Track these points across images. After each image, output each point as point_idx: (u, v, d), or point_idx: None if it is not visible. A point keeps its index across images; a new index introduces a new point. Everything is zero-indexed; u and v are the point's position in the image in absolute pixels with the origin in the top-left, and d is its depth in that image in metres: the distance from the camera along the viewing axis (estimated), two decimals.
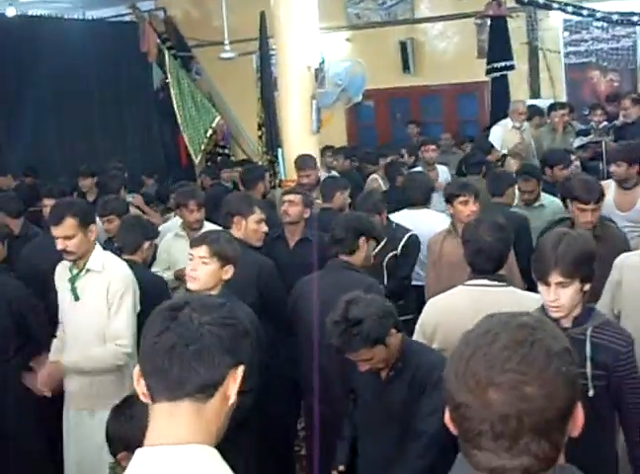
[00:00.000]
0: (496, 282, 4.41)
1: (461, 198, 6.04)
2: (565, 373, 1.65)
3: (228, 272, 4.64)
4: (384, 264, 6.37)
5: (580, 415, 1.70)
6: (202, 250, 4.59)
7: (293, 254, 6.48)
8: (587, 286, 3.62)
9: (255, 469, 4.44)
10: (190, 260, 4.66)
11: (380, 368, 3.94)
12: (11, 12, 13.39)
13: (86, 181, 10.07)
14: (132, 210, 7.86)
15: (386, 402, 3.96)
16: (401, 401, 3.92)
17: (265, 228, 5.95)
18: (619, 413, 3.65)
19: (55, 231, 4.97)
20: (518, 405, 1.61)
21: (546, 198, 7.17)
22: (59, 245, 4.96)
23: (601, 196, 5.54)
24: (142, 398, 2.00)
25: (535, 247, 3.79)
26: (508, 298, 4.27)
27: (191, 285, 4.62)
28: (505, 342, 1.66)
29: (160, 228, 7.22)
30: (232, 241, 4.91)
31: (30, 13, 14.23)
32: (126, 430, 3.43)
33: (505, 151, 10.12)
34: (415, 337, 4.58)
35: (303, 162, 8.55)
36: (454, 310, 4.40)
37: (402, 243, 6.45)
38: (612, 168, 7.02)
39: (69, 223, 4.92)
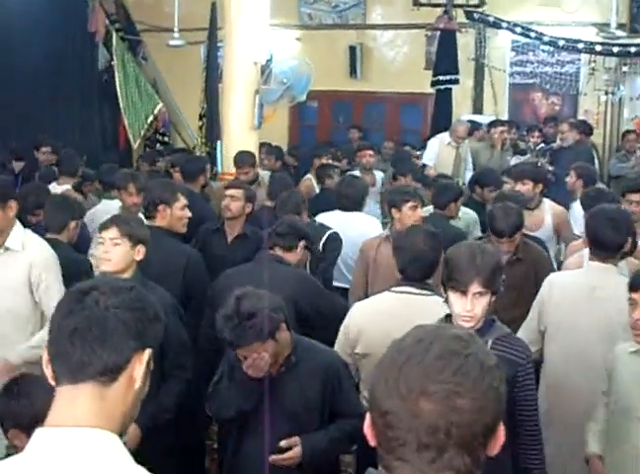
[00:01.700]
0: (422, 291, 4.46)
1: (411, 204, 6.11)
2: (496, 389, 1.65)
3: (140, 252, 4.65)
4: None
5: (502, 434, 1.69)
6: (113, 231, 4.59)
7: (231, 249, 6.43)
8: (493, 298, 3.69)
9: (165, 459, 4.43)
10: (100, 243, 4.67)
11: (271, 364, 3.92)
12: None
13: (18, 163, 10.00)
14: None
15: (278, 396, 3.94)
16: (296, 395, 3.95)
17: (189, 214, 5.92)
18: (513, 427, 3.62)
19: None
20: (448, 416, 1.59)
21: (462, 211, 7.21)
22: None
23: (517, 228, 5.56)
24: (50, 381, 1.99)
25: (447, 258, 3.82)
26: (433, 307, 4.30)
27: (104, 267, 4.60)
28: (439, 351, 1.65)
29: (93, 210, 7.19)
30: (142, 223, 4.96)
31: None
32: (14, 407, 3.46)
33: (430, 163, 10.31)
34: (339, 339, 4.63)
35: (242, 159, 8.52)
36: (380, 315, 4.45)
37: (322, 241, 6.48)
38: (518, 186, 7.12)
39: None
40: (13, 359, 4.90)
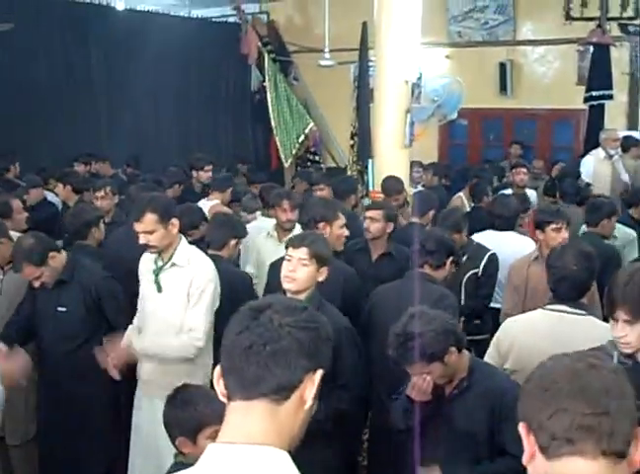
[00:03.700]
0: (576, 310, 4.37)
1: (553, 225, 5.94)
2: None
3: (323, 273, 4.63)
4: (463, 282, 6.37)
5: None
6: (302, 251, 4.56)
7: (375, 267, 6.46)
8: None
9: None
10: (287, 261, 4.63)
11: (442, 384, 3.92)
12: (120, 6, 13.78)
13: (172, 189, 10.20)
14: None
15: (447, 418, 3.95)
16: (463, 420, 3.91)
17: (347, 232, 5.97)
18: None
19: (136, 227, 5.06)
20: None
21: (619, 229, 7.06)
22: (141, 239, 5.06)
23: None
24: (221, 397, 2.01)
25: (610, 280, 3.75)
26: (585, 327, 4.24)
27: (288, 286, 4.56)
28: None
29: (249, 227, 7.35)
30: (327, 242, 4.93)
31: (138, 8, 14.55)
32: (179, 415, 3.58)
33: (588, 181, 10.02)
34: (488, 354, 4.61)
35: (390, 187, 8.47)
36: (531, 332, 4.41)
37: (483, 262, 6.44)
38: None
39: (149, 219, 4.99)
40: (137, 348, 5.19)
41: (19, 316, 5.75)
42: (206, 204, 8.04)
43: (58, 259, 5.51)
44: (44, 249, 5.40)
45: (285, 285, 4.58)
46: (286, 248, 4.73)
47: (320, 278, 4.64)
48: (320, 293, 4.68)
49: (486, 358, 4.56)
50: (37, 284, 5.52)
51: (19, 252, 5.41)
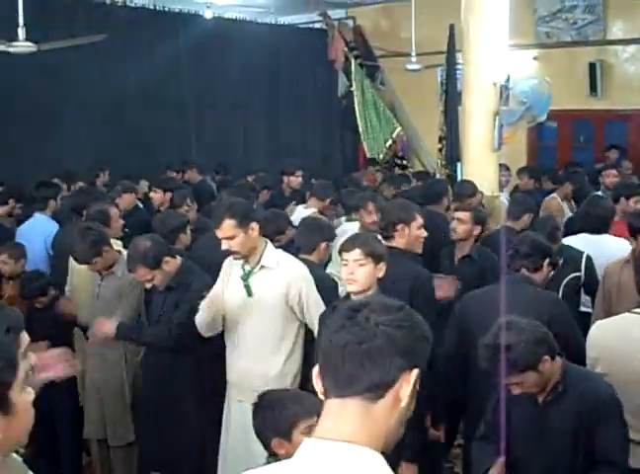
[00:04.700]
0: None
1: None
2: None
3: (382, 269, 4.73)
4: (562, 286, 6.24)
5: None
6: (356, 253, 4.68)
7: (457, 270, 6.45)
8: None
9: None
10: (344, 265, 4.75)
11: (536, 392, 3.88)
12: (209, 14, 14.10)
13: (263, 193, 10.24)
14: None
15: (544, 425, 3.89)
16: (561, 428, 3.84)
17: (425, 233, 5.96)
18: None
19: (218, 233, 5.16)
20: None
21: None
22: (223, 245, 5.14)
23: None
24: (320, 395, 2.03)
25: None
26: None
27: (351, 288, 4.70)
28: None
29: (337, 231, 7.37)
30: (378, 239, 5.06)
31: (226, 16, 14.76)
32: (270, 416, 3.59)
33: None
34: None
35: (462, 191, 8.43)
36: (620, 335, 4.35)
37: (583, 265, 6.32)
38: None
39: (228, 225, 5.07)
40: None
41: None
42: (303, 212, 8.07)
43: (172, 264, 5.58)
44: (159, 253, 5.46)
45: (348, 288, 4.73)
46: (340, 253, 4.84)
47: (380, 275, 4.73)
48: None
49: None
50: (148, 286, 5.61)
51: (134, 253, 5.48)
